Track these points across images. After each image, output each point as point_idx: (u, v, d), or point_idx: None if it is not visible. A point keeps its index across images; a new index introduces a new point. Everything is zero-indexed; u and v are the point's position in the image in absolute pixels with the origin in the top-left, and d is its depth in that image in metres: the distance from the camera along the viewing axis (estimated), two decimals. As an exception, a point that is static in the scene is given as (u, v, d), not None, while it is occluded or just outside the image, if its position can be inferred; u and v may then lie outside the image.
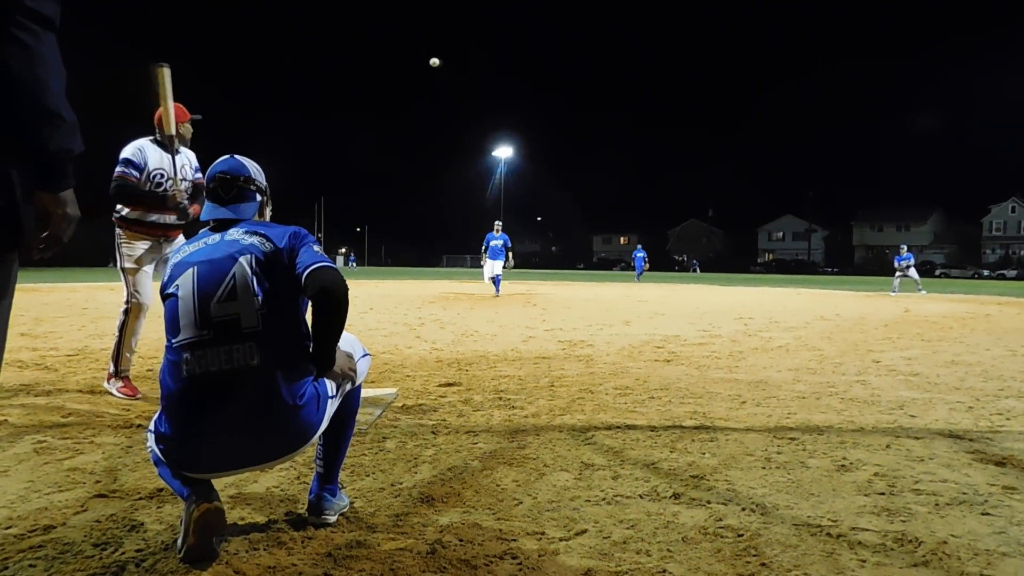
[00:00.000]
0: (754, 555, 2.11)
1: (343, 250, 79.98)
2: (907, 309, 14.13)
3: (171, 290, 2.08)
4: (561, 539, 2.23)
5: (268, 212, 2.49)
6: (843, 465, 3.06)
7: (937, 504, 2.58)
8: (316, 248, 2.14)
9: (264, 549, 2.09)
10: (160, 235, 4.49)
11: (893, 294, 21.39)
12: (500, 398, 4.47)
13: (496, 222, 18.26)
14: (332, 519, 2.31)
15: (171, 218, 4.47)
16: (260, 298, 2.01)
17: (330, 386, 2.15)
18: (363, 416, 3.74)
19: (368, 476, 2.86)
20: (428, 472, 2.91)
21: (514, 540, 2.20)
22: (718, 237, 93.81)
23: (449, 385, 4.88)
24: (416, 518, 2.38)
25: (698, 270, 62.22)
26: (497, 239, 17.67)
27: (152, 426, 2.11)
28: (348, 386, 2.26)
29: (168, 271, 2.16)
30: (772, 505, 2.56)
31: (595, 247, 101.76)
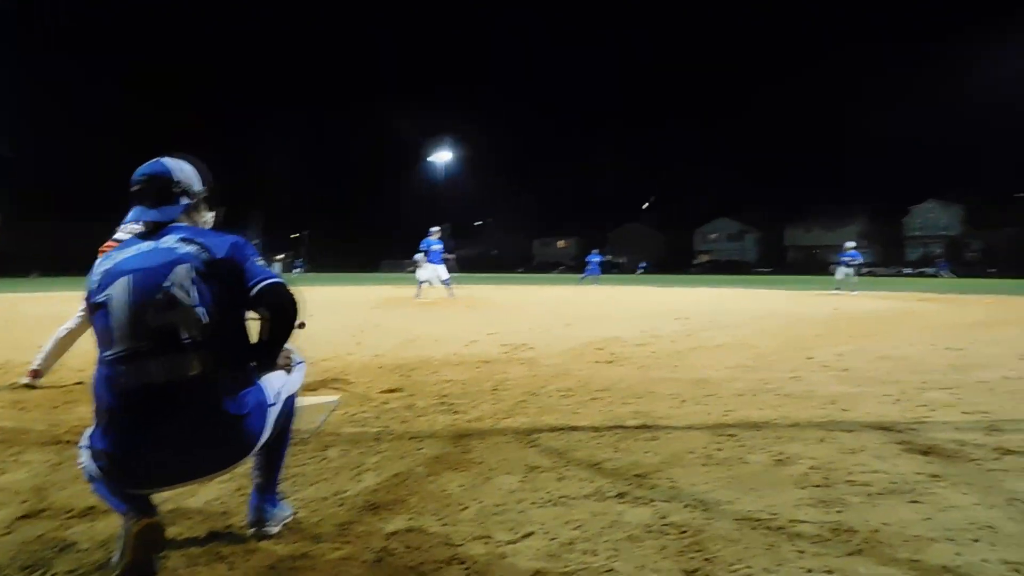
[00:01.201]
0: (698, 550, 2.16)
1: (281, 256, 78.28)
2: (836, 307, 14.64)
3: (101, 299, 1.98)
4: (508, 542, 2.23)
5: (206, 215, 2.40)
6: (780, 459, 3.15)
7: (869, 494, 2.68)
8: (260, 262, 2.11)
9: (204, 564, 2.03)
10: None
11: (838, 292, 20.59)
12: (443, 403, 4.44)
13: (432, 228, 18.22)
14: (274, 530, 2.26)
15: None
16: (199, 308, 1.95)
17: (269, 393, 2.11)
18: (305, 424, 3.67)
19: (311, 485, 2.80)
20: (372, 479, 2.88)
21: (461, 545, 2.19)
22: (656, 239, 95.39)
23: (392, 391, 4.83)
24: (361, 526, 2.35)
25: (643, 271, 63.06)
26: (436, 244, 17.74)
27: (87, 441, 2.01)
28: (284, 385, 2.23)
29: (97, 278, 2.03)
30: (714, 501, 2.61)
31: (535, 250, 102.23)
